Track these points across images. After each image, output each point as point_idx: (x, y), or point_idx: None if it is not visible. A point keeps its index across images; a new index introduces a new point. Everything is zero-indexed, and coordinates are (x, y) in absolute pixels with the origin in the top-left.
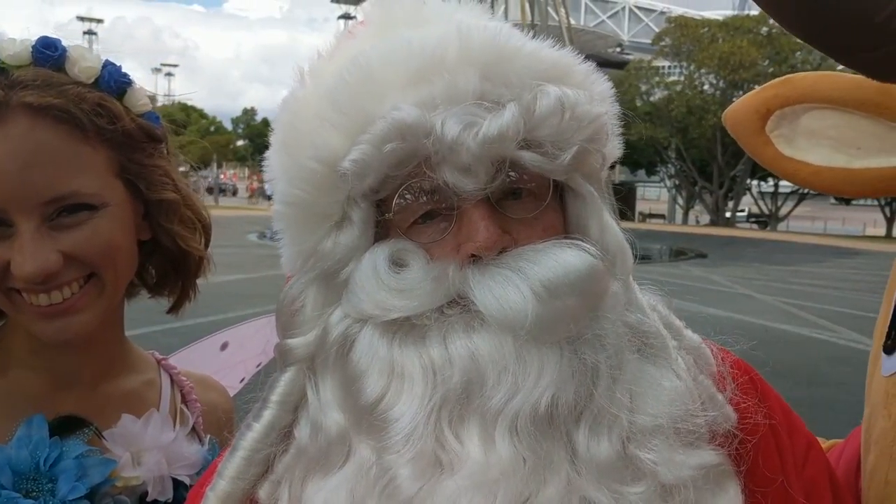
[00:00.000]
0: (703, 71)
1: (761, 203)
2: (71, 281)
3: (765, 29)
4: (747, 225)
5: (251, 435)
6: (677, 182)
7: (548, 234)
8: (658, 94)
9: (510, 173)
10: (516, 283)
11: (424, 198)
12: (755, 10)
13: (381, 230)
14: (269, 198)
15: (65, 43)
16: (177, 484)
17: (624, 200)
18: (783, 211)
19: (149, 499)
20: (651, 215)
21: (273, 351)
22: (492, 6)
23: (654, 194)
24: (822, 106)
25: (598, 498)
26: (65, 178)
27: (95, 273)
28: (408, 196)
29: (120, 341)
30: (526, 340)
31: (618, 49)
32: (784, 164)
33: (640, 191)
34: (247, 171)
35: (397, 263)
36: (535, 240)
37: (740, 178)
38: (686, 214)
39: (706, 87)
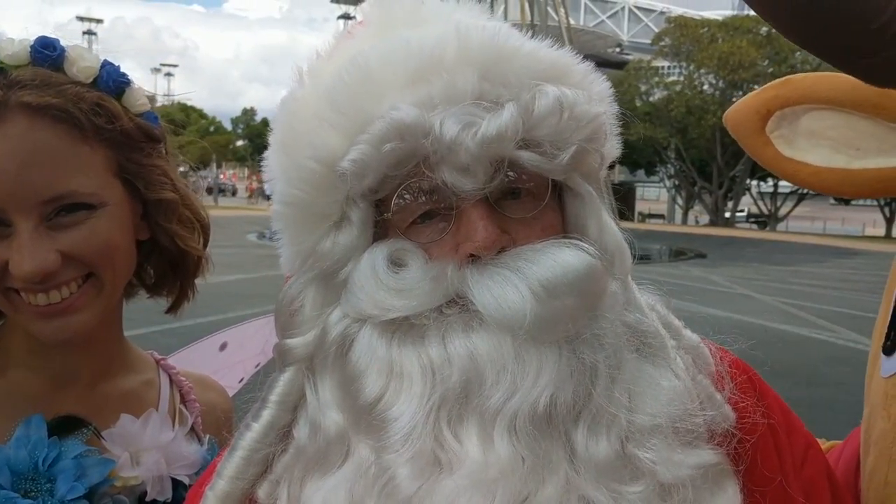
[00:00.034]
0: (702, 71)
1: (761, 203)
2: (69, 280)
3: (764, 29)
4: (747, 225)
5: (250, 435)
6: (677, 182)
7: (546, 234)
8: (657, 95)
9: (509, 173)
10: (515, 283)
11: (423, 198)
12: None
13: (380, 230)
14: (268, 198)
15: (63, 43)
16: (176, 484)
17: (623, 200)
18: (782, 211)
19: (148, 498)
20: (650, 215)
21: (272, 351)
22: (491, 6)
23: (653, 194)
24: (821, 107)
25: (596, 497)
26: (63, 177)
27: (94, 273)
28: (406, 196)
29: (118, 341)
30: (524, 340)
31: (617, 49)
32: (784, 165)
33: (639, 191)
34: (246, 172)
35: (396, 263)
36: (534, 239)
37: (740, 179)
38: (685, 214)
39: (706, 87)
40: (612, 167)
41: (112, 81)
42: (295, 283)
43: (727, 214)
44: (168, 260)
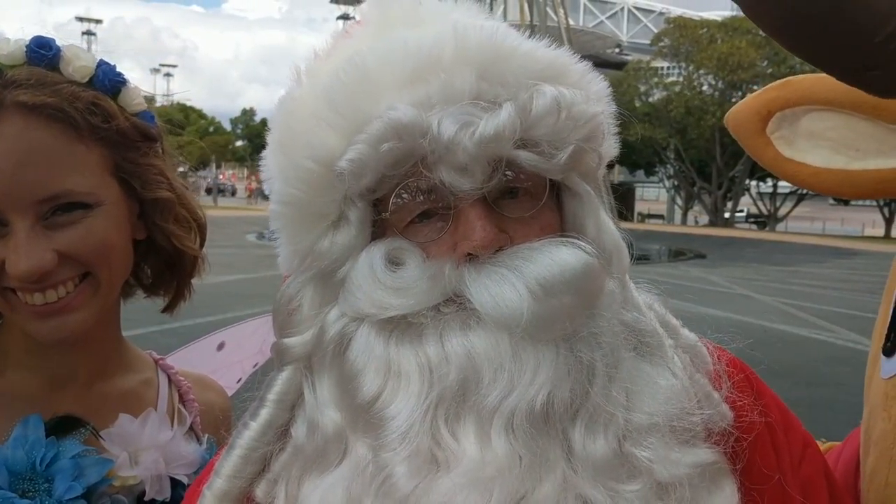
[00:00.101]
0: (701, 71)
1: (760, 203)
2: (66, 280)
3: None
4: (746, 225)
5: (248, 433)
6: (676, 182)
7: (545, 233)
8: (657, 95)
9: (507, 172)
10: (512, 282)
11: (421, 197)
12: None
13: (378, 230)
14: (267, 198)
15: (59, 42)
16: (175, 483)
17: (622, 201)
18: (782, 211)
19: (146, 498)
20: (650, 216)
21: (270, 350)
22: (490, 7)
23: (652, 195)
24: (821, 108)
25: (593, 496)
26: (59, 176)
27: (90, 272)
28: (405, 195)
29: (116, 341)
30: (522, 338)
31: (616, 50)
32: (784, 166)
33: (638, 191)
34: (245, 172)
35: (394, 262)
36: (532, 239)
37: (739, 179)
38: (685, 215)
39: (705, 87)
40: (611, 167)
41: (108, 81)
42: (293, 282)
43: (726, 215)
44: (164, 259)
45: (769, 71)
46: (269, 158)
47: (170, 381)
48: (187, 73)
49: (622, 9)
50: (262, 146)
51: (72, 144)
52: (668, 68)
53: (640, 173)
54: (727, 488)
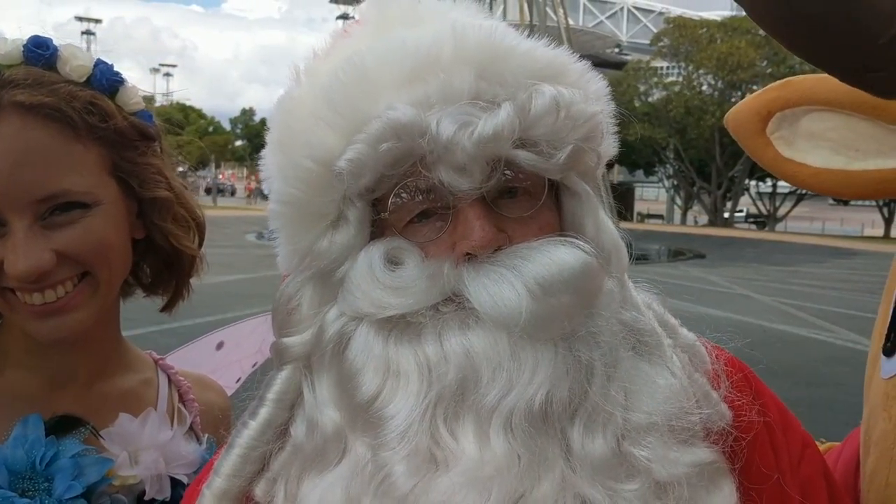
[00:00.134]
0: (701, 71)
1: (759, 203)
2: (64, 280)
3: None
4: (746, 225)
5: (247, 432)
6: (675, 182)
7: (543, 233)
8: (656, 95)
9: (506, 172)
10: (511, 281)
11: (420, 197)
12: None
13: (377, 229)
14: (266, 198)
15: (56, 42)
16: (174, 483)
17: (622, 200)
18: (781, 211)
19: (146, 498)
20: (649, 215)
21: (269, 350)
22: (490, 7)
23: (652, 194)
24: (821, 108)
25: (592, 495)
26: (57, 176)
27: (89, 272)
28: (403, 195)
29: (116, 340)
30: (520, 337)
31: (616, 49)
32: (784, 166)
33: (638, 191)
34: (245, 172)
35: (393, 262)
36: (531, 238)
37: (738, 179)
38: (684, 215)
39: (704, 87)
40: (610, 167)
41: (105, 80)
42: (292, 281)
43: (726, 215)
44: (163, 259)
45: (769, 71)
46: (269, 158)
47: (169, 380)
48: (187, 73)
49: (622, 9)
50: (262, 146)
51: (69, 144)
52: (668, 68)
53: (640, 173)
54: (726, 488)
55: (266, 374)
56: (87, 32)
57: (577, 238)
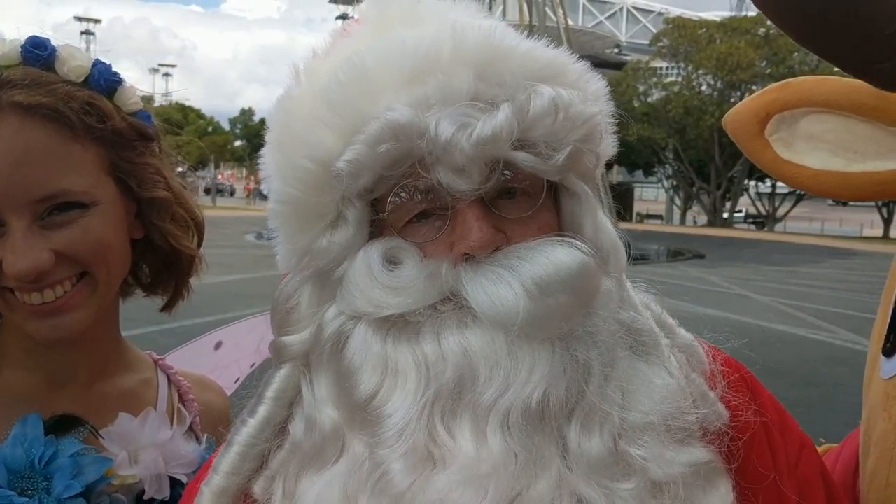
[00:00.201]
0: (700, 72)
1: (759, 204)
2: (63, 279)
3: (762, 30)
4: (745, 225)
5: (246, 430)
6: (675, 182)
7: (542, 233)
8: (656, 95)
9: (504, 172)
10: (508, 281)
11: (419, 197)
12: (753, 12)
13: (376, 229)
14: (265, 198)
15: (54, 42)
16: (174, 482)
17: (621, 201)
18: (781, 211)
19: (145, 497)
20: (649, 216)
21: (268, 349)
22: (489, 7)
23: (651, 195)
24: (820, 110)
25: (588, 494)
26: (55, 176)
27: (88, 271)
28: (402, 195)
29: (115, 340)
30: (518, 337)
31: (615, 50)
32: (783, 168)
33: (637, 191)
34: (244, 172)
35: (391, 261)
36: (529, 238)
37: (738, 179)
38: (683, 215)
39: (704, 87)
40: (609, 167)
41: (103, 80)
42: (291, 280)
43: (725, 215)
44: (162, 259)
45: (768, 71)
46: (268, 157)
47: (169, 381)
48: (186, 73)
49: (621, 9)
50: (261, 146)
51: (67, 144)
52: (667, 68)
53: (639, 173)
54: (722, 487)
55: (265, 373)
56: (87, 32)
57: (574, 238)
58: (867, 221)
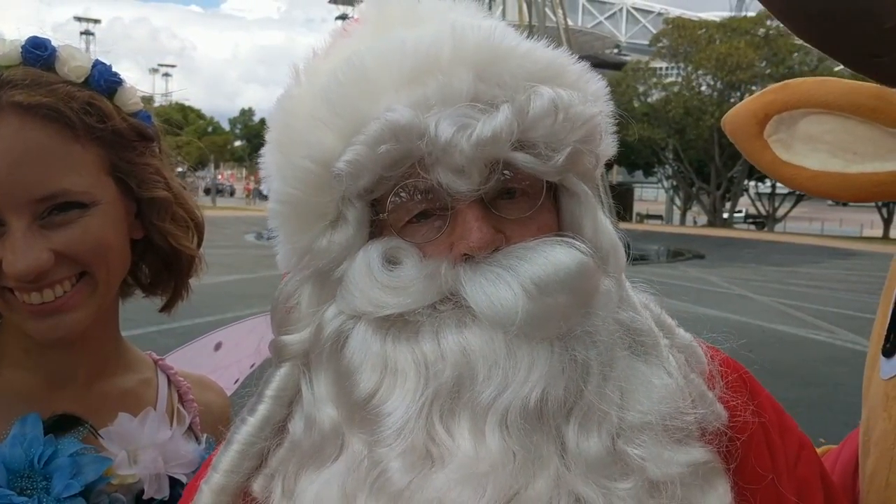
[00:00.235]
0: (700, 72)
1: (759, 204)
2: (63, 279)
3: (762, 30)
4: (745, 226)
5: (246, 429)
6: (675, 183)
7: (542, 233)
8: (655, 96)
9: (504, 172)
10: (507, 281)
11: (419, 197)
12: (752, 12)
13: (376, 229)
14: (265, 198)
15: (55, 43)
16: (173, 482)
17: (621, 201)
18: (780, 212)
19: (145, 497)
20: (648, 216)
21: (268, 348)
22: (489, 7)
23: (651, 195)
24: (819, 111)
25: (586, 493)
26: (55, 176)
27: (87, 271)
28: (402, 195)
29: (115, 340)
30: (516, 336)
31: (615, 50)
32: (782, 169)
33: (637, 191)
34: (244, 172)
35: (391, 261)
36: (529, 239)
37: (738, 179)
38: (683, 215)
39: (703, 88)
40: (609, 167)
41: (103, 81)
42: (291, 280)
43: (725, 215)
44: (162, 259)
45: (767, 71)
46: (268, 157)
47: (169, 381)
48: (186, 73)
49: (621, 9)
50: (261, 146)
51: (68, 144)
52: (667, 69)
53: (639, 173)
54: (720, 487)
55: (265, 372)
56: (86, 33)
57: (573, 238)
58: (867, 222)
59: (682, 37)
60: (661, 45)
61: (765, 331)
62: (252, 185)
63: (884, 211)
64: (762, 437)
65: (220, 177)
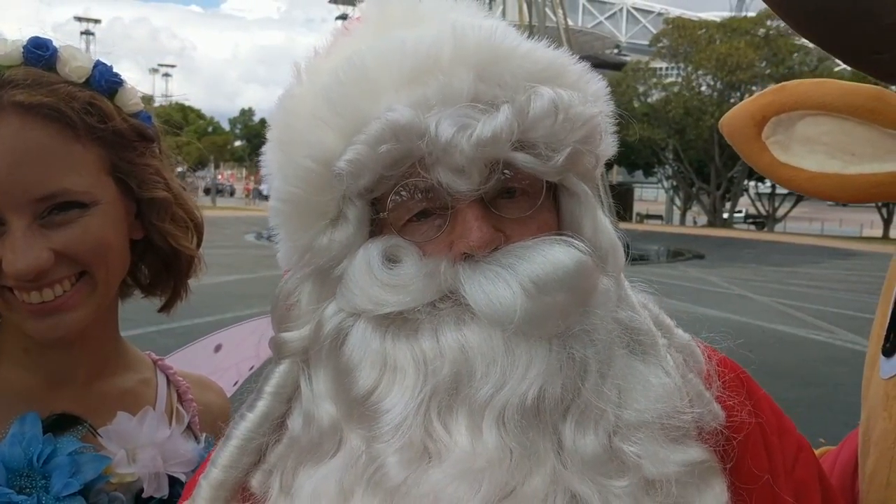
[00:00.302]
0: (700, 72)
1: (758, 204)
2: (62, 279)
3: (762, 30)
4: (744, 226)
5: (244, 424)
6: (675, 183)
7: (541, 233)
8: (655, 96)
9: (504, 172)
10: (506, 279)
11: (419, 196)
12: (752, 12)
13: (376, 228)
14: (265, 198)
15: (56, 43)
16: (173, 481)
17: (621, 201)
18: (780, 212)
19: (144, 495)
20: (648, 216)
21: (268, 345)
22: (489, 7)
23: (651, 195)
24: (816, 112)
25: (582, 490)
26: (56, 175)
27: (87, 271)
28: (403, 194)
29: (114, 340)
30: (515, 334)
31: (615, 50)
32: (780, 171)
33: (637, 192)
34: (244, 172)
35: (391, 259)
36: (528, 238)
37: (737, 179)
38: (683, 215)
39: (703, 88)
40: (609, 167)
41: (104, 81)
42: (292, 278)
43: (725, 215)
44: (162, 259)
45: (767, 72)
46: (269, 156)
47: (168, 381)
48: (186, 74)
49: (621, 9)
50: (261, 146)
51: (68, 144)
52: (667, 69)
53: (639, 173)
54: (717, 486)
55: (264, 371)
56: (87, 33)
57: (571, 237)
58: (867, 222)
59: (682, 37)
60: (661, 45)
61: (764, 331)
62: (252, 185)
63: (883, 211)
64: (759, 437)
65: (219, 177)
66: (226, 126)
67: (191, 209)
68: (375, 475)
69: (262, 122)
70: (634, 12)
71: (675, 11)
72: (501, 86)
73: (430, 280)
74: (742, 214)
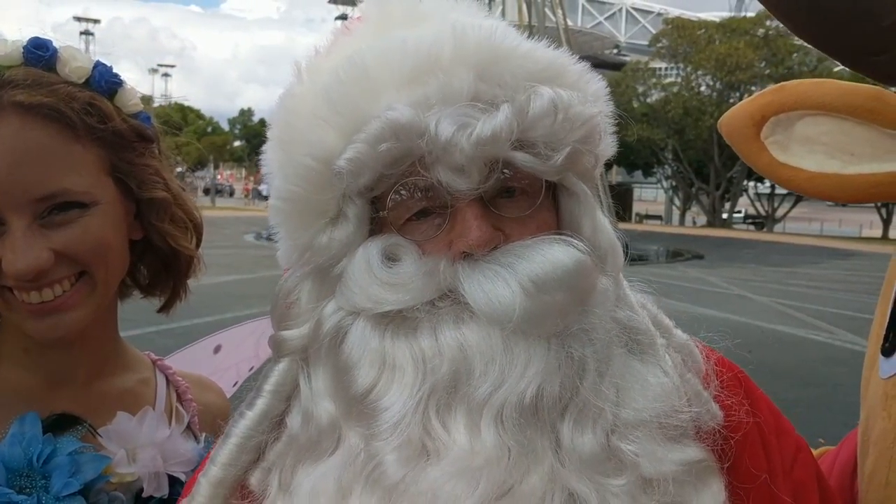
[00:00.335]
0: (699, 72)
1: (758, 204)
2: (62, 279)
3: (761, 31)
4: (744, 226)
5: (244, 422)
6: (674, 183)
7: (541, 232)
8: (655, 96)
9: (504, 172)
10: (505, 278)
11: (419, 195)
12: (752, 12)
13: (376, 227)
14: (264, 198)
15: (56, 44)
16: (172, 481)
17: (620, 201)
18: (780, 212)
19: (144, 495)
20: (648, 216)
21: (268, 343)
22: (489, 7)
23: (650, 195)
24: (815, 112)
25: (580, 489)
26: (55, 176)
27: (86, 271)
28: (403, 193)
29: (114, 340)
30: (513, 333)
31: (615, 50)
32: (779, 171)
33: (636, 192)
34: (244, 172)
35: (390, 258)
36: (528, 237)
37: (737, 180)
38: (683, 215)
39: (703, 88)
40: (609, 167)
41: (104, 82)
42: (291, 276)
43: (724, 215)
44: (161, 259)
45: (767, 72)
46: (270, 154)
47: (167, 381)
48: (185, 74)
49: (620, 9)
50: (261, 146)
51: (68, 144)
52: (667, 69)
53: (639, 174)
54: (714, 486)
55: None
56: (86, 33)
57: (571, 236)
58: (866, 222)
59: (681, 37)
60: (660, 45)
61: (764, 331)
62: (251, 186)
63: (883, 211)
64: (757, 436)
65: (219, 177)
66: (225, 126)
67: (190, 209)
68: (374, 473)
69: (262, 122)
70: (634, 12)
71: (674, 11)
72: (501, 85)
73: (429, 279)
74: (741, 215)
